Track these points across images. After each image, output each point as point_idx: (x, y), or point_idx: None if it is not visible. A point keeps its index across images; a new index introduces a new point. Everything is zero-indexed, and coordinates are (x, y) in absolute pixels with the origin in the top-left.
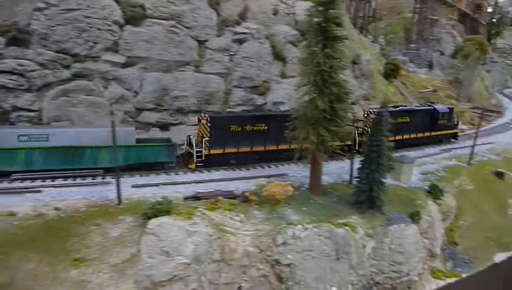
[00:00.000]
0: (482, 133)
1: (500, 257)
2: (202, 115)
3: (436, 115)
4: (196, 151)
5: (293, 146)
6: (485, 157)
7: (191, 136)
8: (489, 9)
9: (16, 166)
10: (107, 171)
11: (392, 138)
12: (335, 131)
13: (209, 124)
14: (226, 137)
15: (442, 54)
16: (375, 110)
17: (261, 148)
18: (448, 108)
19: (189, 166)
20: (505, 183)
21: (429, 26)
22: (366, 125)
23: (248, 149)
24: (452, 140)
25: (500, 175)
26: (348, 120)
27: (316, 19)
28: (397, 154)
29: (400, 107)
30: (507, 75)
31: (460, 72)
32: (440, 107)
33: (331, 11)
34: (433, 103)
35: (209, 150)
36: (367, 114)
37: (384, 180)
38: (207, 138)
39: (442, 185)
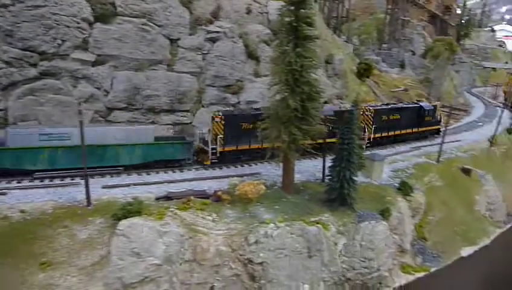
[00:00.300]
0: (450, 131)
1: (466, 251)
2: (216, 113)
3: (422, 112)
4: (211, 148)
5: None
6: (453, 155)
7: (205, 134)
8: (458, 11)
9: (39, 165)
10: (127, 168)
11: (386, 134)
12: (306, 130)
13: (223, 122)
14: (239, 134)
15: (414, 54)
16: (370, 107)
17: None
18: (433, 105)
19: (204, 162)
20: (471, 179)
21: (401, 27)
22: (362, 122)
23: (259, 146)
24: (436, 135)
25: (467, 172)
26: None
27: (287, 19)
28: (368, 152)
29: (391, 105)
30: (475, 75)
31: (431, 71)
32: (425, 104)
33: (302, 10)
34: (419, 100)
35: (224, 147)
36: (362, 112)
37: (355, 178)
38: (221, 136)
39: (411, 182)
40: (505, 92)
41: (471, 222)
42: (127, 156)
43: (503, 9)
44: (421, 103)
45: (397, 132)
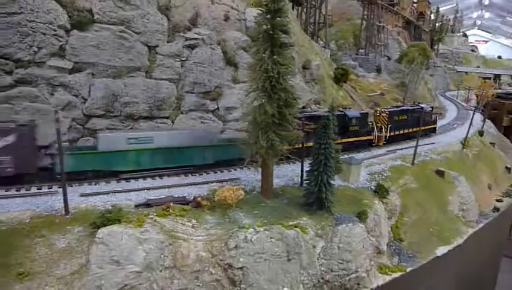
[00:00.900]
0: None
1: (441, 250)
2: None
3: (423, 113)
4: None
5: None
6: (427, 157)
7: None
8: (432, 17)
9: (127, 166)
10: (199, 168)
11: (398, 133)
12: (284, 135)
13: None
14: None
15: (389, 59)
16: (385, 109)
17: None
18: (431, 107)
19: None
20: (445, 181)
21: (376, 33)
22: (377, 122)
23: (299, 146)
24: (432, 134)
25: (441, 174)
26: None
27: (263, 27)
28: (346, 156)
29: (400, 108)
30: (449, 79)
31: (406, 76)
32: (425, 106)
33: (278, 19)
34: (419, 103)
35: None
36: (379, 113)
37: (332, 181)
38: None
39: (387, 184)
40: (477, 96)
41: (445, 222)
42: (200, 156)
43: (475, 15)
44: (421, 105)
45: (406, 131)
